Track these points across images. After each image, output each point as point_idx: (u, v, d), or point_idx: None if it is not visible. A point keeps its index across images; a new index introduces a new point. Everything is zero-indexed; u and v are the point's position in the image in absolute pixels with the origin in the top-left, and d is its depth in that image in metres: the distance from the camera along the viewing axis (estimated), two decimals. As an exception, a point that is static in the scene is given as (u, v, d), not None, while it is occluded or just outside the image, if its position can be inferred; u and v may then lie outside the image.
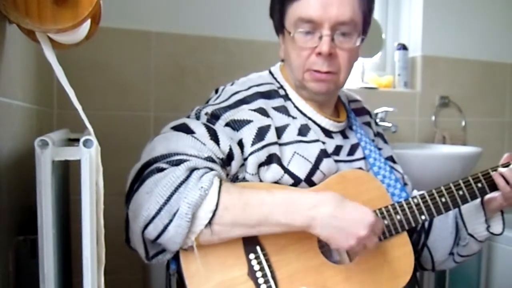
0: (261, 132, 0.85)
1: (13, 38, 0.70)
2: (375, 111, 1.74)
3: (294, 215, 0.76)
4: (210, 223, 0.73)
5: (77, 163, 0.56)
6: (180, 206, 0.71)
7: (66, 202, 0.89)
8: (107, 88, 1.43)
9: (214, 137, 0.81)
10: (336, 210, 0.76)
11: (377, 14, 2.03)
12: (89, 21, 0.63)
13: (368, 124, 1.09)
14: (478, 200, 0.96)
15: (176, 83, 1.52)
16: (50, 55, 0.58)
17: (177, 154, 0.77)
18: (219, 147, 0.81)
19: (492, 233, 0.97)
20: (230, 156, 0.82)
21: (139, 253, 0.78)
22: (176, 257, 0.79)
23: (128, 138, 1.43)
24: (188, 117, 0.89)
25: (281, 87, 0.96)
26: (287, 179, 0.86)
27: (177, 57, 1.52)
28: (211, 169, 0.77)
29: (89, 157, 0.55)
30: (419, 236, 1.03)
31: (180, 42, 1.52)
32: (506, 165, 0.93)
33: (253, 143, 0.84)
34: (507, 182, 0.91)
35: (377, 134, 1.10)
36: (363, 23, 0.92)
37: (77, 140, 0.57)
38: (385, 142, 1.11)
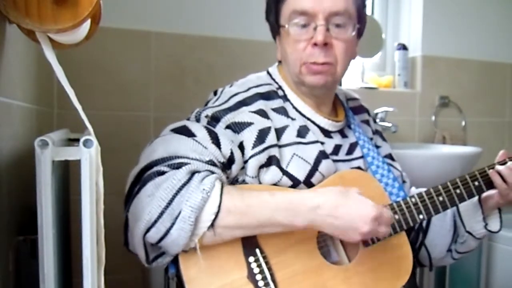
0: (262, 135, 0.85)
1: (13, 38, 0.70)
2: (375, 111, 1.74)
3: (295, 218, 0.75)
4: (212, 225, 0.73)
5: (77, 163, 0.56)
6: (182, 209, 0.71)
7: (66, 202, 0.89)
8: (107, 88, 1.43)
9: (216, 140, 0.81)
10: (336, 210, 0.75)
11: (377, 14, 2.03)
12: (89, 21, 0.63)
13: (366, 122, 1.09)
14: (476, 198, 0.96)
15: (176, 83, 1.52)
16: (50, 55, 0.58)
17: (178, 157, 0.77)
18: (220, 151, 0.81)
19: (490, 231, 0.98)
20: (231, 160, 0.82)
21: (139, 257, 0.77)
22: (174, 261, 0.79)
23: (128, 138, 1.43)
24: (188, 119, 0.88)
25: (280, 87, 0.96)
26: (286, 181, 0.86)
27: (177, 57, 1.52)
28: (212, 172, 0.76)
29: (89, 157, 0.56)
30: (417, 234, 1.04)
31: (180, 42, 1.52)
32: (502, 163, 0.94)
33: (254, 146, 0.84)
34: (504, 180, 0.91)
35: (376, 132, 1.10)
36: (358, 14, 0.92)
37: (77, 140, 0.57)
38: (384, 140, 1.11)
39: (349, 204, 0.76)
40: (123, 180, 0.79)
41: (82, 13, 0.56)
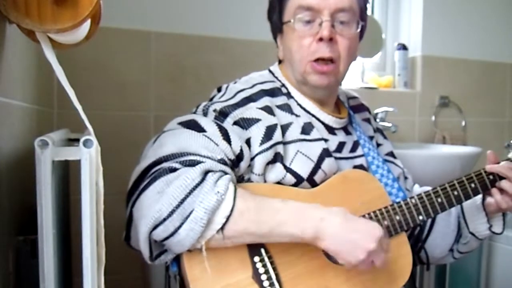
0: (269, 131, 0.84)
1: (13, 38, 0.70)
2: (375, 111, 1.75)
3: (305, 225, 0.74)
4: (222, 228, 0.72)
5: (77, 163, 0.56)
6: (195, 210, 0.70)
7: (66, 202, 0.89)
8: (107, 88, 1.43)
9: (226, 136, 0.80)
10: (345, 222, 0.75)
11: (377, 14, 2.03)
12: (89, 21, 0.63)
13: (367, 120, 1.10)
14: (480, 201, 0.97)
15: (176, 83, 1.52)
16: (50, 55, 0.58)
17: (190, 154, 0.75)
18: (231, 147, 0.80)
19: (493, 232, 0.99)
20: (239, 157, 0.81)
21: (143, 253, 0.75)
22: (176, 259, 0.78)
23: (128, 138, 1.43)
24: (194, 113, 0.87)
25: (283, 85, 0.96)
26: (290, 178, 0.85)
27: (177, 57, 1.52)
28: (225, 173, 0.76)
29: (89, 157, 0.56)
30: (421, 232, 1.04)
31: (180, 42, 1.52)
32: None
33: (262, 143, 0.83)
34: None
35: (377, 130, 1.11)
36: (361, 11, 0.93)
37: (77, 140, 0.57)
38: (385, 137, 1.12)
39: (357, 222, 0.77)
40: (123, 180, 0.79)
41: (82, 13, 0.56)
